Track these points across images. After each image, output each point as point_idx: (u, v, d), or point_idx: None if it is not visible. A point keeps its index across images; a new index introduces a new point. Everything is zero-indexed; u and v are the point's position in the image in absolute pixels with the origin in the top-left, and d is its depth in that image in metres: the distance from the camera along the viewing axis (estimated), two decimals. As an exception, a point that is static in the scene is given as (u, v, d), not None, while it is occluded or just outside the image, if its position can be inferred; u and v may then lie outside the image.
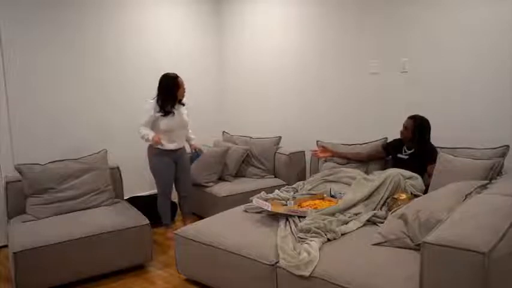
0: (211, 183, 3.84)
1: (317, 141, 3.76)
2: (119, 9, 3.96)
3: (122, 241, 2.79)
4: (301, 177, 3.97)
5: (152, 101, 3.32)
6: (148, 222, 2.91)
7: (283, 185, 3.62)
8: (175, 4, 4.44)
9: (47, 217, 2.94)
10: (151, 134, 3.23)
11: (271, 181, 3.94)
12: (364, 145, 3.50)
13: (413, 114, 3.12)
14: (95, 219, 2.86)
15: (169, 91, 3.31)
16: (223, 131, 4.64)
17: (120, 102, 4.04)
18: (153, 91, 4.25)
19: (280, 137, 4.14)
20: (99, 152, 3.35)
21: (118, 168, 3.48)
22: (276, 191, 3.15)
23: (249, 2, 4.56)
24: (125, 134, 4.06)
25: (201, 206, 3.87)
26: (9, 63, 3.33)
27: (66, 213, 3.01)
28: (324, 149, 3.56)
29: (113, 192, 3.29)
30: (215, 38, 4.86)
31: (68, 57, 3.66)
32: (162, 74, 3.37)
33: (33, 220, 2.90)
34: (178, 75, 3.37)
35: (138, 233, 2.84)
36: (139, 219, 2.93)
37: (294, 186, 3.30)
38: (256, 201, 2.70)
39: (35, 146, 3.48)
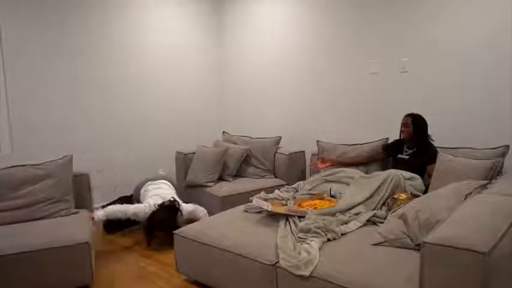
0: (211, 183, 3.84)
1: (317, 141, 3.76)
2: (121, 10, 3.97)
3: (52, 261, 2.44)
4: (301, 177, 3.96)
5: (148, 211, 3.12)
6: (87, 240, 2.52)
7: (283, 185, 3.62)
8: (175, 4, 4.44)
9: None
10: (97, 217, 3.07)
11: (271, 181, 3.94)
12: (364, 145, 3.49)
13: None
14: (32, 234, 2.54)
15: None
16: (223, 131, 4.64)
17: (121, 102, 4.04)
18: (153, 91, 4.29)
19: (280, 137, 4.14)
20: (63, 157, 3.06)
21: (87, 175, 3.20)
22: (276, 191, 3.15)
23: (249, 2, 4.56)
24: (125, 134, 4.07)
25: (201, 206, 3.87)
26: (9, 64, 3.33)
27: (10, 223, 2.73)
28: (323, 159, 3.52)
29: (72, 202, 3.00)
30: (216, 37, 4.87)
31: (69, 57, 3.66)
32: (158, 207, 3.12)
33: None
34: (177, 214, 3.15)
35: (72, 253, 2.48)
36: (78, 236, 2.54)
37: (294, 186, 3.29)
38: (256, 201, 2.70)
39: (36, 146, 3.48)
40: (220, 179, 3.99)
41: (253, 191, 3.58)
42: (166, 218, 3.10)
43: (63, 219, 2.86)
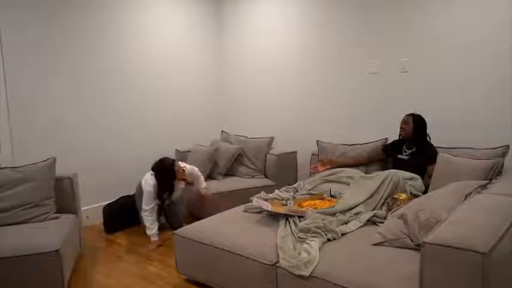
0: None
1: (317, 141, 3.76)
2: (120, 9, 3.96)
3: (19, 270, 2.32)
4: (291, 178, 3.96)
5: (152, 182, 3.29)
6: (57, 248, 2.36)
7: (271, 186, 3.64)
8: (175, 4, 4.44)
9: None
10: (153, 237, 3.26)
11: (259, 181, 3.95)
12: (364, 145, 3.49)
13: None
14: (0, 241, 2.42)
15: (167, 181, 3.34)
16: (222, 131, 4.65)
17: (121, 102, 4.04)
18: (153, 90, 4.29)
19: (272, 137, 4.15)
20: (46, 160, 2.96)
21: (70, 178, 3.06)
22: (276, 191, 3.15)
23: (249, 2, 4.56)
24: (125, 134, 4.07)
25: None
26: (9, 64, 3.32)
27: None
28: (323, 162, 3.50)
29: (52, 207, 2.88)
30: (215, 37, 4.86)
31: (69, 57, 3.65)
32: (160, 159, 3.36)
33: None
34: (174, 161, 3.38)
35: (40, 261, 2.34)
36: (48, 243, 2.38)
37: (294, 186, 3.30)
38: (257, 201, 2.70)
39: (36, 147, 3.46)
40: (210, 177, 4.01)
41: (238, 190, 3.71)
42: (167, 164, 3.32)
43: (41, 224, 2.72)
